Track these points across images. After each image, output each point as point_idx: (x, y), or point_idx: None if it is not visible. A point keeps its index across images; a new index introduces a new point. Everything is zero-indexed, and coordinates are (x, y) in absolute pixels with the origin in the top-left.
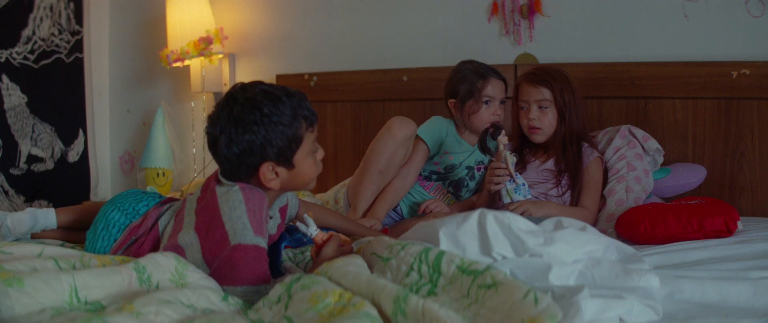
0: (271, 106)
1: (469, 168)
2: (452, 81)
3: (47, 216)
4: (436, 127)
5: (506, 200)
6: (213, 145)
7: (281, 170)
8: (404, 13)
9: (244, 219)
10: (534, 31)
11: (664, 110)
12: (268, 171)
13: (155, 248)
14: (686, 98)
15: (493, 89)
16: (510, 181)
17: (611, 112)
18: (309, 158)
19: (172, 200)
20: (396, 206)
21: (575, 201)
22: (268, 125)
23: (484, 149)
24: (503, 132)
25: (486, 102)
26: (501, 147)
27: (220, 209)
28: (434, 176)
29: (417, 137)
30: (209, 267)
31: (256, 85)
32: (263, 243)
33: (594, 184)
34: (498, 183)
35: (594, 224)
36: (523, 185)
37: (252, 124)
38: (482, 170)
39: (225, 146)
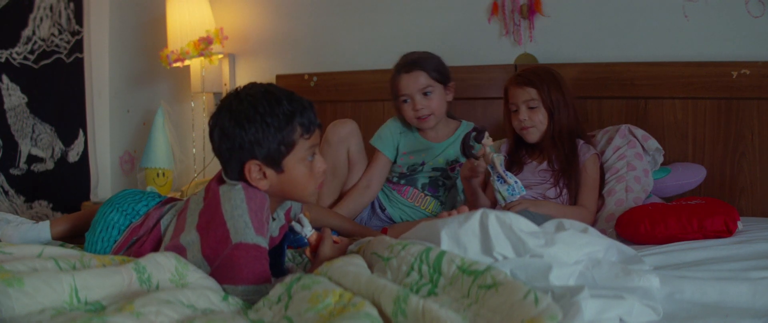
0: (266, 106)
1: (439, 169)
2: None
3: (40, 233)
4: (386, 131)
5: (501, 202)
6: (210, 137)
7: (270, 172)
8: (404, 13)
9: (245, 218)
10: (534, 31)
11: (664, 110)
12: (254, 170)
13: (156, 248)
14: (686, 98)
15: (405, 84)
16: (500, 182)
17: (611, 112)
18: (301, 166)
19: (172, 200)
20: (384, 210)
21: (573, 201)
22: (260, 124)
23: (466, 153)
24: (486, 134)
25: (404, 101)
26: (487, 149)
27: (222, 208)
28: (402, 180)
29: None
30: (210, 266)
31: (263, 85)
32: (264, 242)
33: (591, 182)
34: (473, 176)
35: (593, 223)
36: (516, 183)
37: (245, 120)
38: (456, 169)
39: (218, 138)
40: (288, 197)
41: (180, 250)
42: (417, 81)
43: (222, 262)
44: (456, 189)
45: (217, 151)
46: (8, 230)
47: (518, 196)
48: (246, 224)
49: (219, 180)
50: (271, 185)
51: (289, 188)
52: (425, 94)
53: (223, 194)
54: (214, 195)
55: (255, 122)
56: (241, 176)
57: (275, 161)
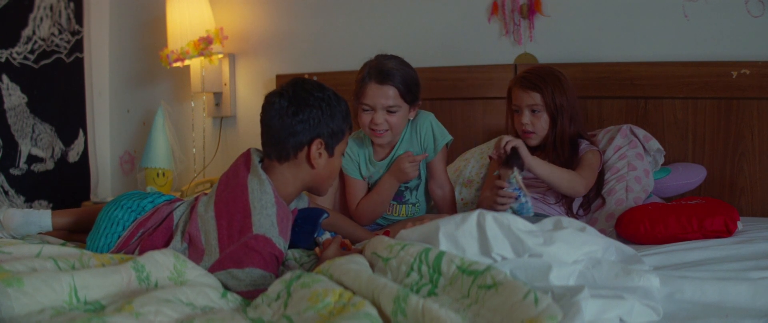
0: (334, 95)
1: None
2: None
3: (41, 218)
4: (346, 158)
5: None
6: (276, 114)
7: (324, 155)
8: (404, 13)
9: (273, 219)
10: (534, 31)
11: (664, 109)
12: (317, 147)
13: (168, 237)
14: (686, 98)
15: (371, 95)
16: (520, 197)
17: (611, 112)
18: (339, 157)
19: (180, 200)
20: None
21: (569, 204)
22: (334, 107)
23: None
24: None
25: (365, 109)
26: (518, 177)
27: (251, 204)
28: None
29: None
30: (220, 252)
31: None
32: (283, 247)
33: (590, 165)
34: (503, 205)
35: (585, 199)
36: (528, 201)
37: (321, 100)
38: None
39: (292, 113)
40: (319, 184)
41: (194, 237)
42: (386, 96)
43: (235, 248)
44: (423, 183)
45: (283, 127)
46: (10, 209)
47: (528, 213)
48: (272, 224)
49: (246, 167)
50: (320, 167)
51: (325, 175)
52: (389, 111)
53: (253, 191)
54: (242, 185)
55: (330, 104)
56: (296, 155)
57: (331, 145)
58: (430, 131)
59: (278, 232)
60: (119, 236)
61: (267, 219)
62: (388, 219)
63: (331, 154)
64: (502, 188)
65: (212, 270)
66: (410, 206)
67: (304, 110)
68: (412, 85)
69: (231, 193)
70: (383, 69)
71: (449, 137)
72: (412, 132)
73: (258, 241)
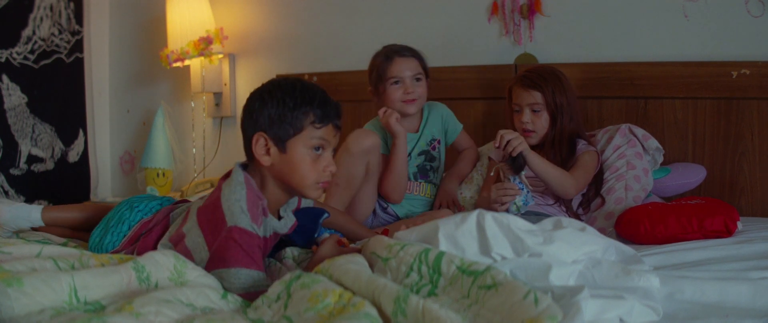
0: (288, 88)
1: (423, 153)
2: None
3: (30, 212)
4: (374, 130)
5: (513, 211)
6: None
7: (274, 150)
8: (404, 13)
9: (242, 204)
10: (534, 31)
11: (664, 109)
12: (260, 143)
13: (162, 236)
14: (686, 98)
15: (399, 68)
16: (522, 191)
17: (611, 112)
18: (305, 152)
19: (186, 201)
20: (385, 209)
21: (569, 203)
22: (278, 101)
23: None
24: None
25: (395, 83)
26: (523, 178)
27: (222, 194)
28: None
29: None
30: (209, 251)
31: (303, 79)
32: (259, 232)
33: (584, 165)
34: (504, 204)
35: (584, 198)
36: (529, 193)
37: (266, 95)
38: (436, 147)
39: (242, 111)
40: (289, 184)
41: (180, 237)
42: (411, 66)
43: (217, 244)
44: (442, 165)
45: (240, 124)
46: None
47: (530, 203)
48: (242, 210)
49: (226, 176)
50: (273, 163)
51: (288, 172)
52: (417, 79)
53: (225, 184)
54: (218, 187)
55: (274, 98)
56: (249, 150)
57: (280, 139)
58: (449, 115)
59: (250, 219)
60: (124, 236)
61: (235, 205)
62: (415, 199)
63: (282, 148)
64: (505, 187)
65: (207, 270)
66: (432, 186)
67: (249, 106)
68: (424, 60)
69: (215, 192)
70: (401, 47)
71: (461, 124)
72: (434, 115)
73: (232, 233)
